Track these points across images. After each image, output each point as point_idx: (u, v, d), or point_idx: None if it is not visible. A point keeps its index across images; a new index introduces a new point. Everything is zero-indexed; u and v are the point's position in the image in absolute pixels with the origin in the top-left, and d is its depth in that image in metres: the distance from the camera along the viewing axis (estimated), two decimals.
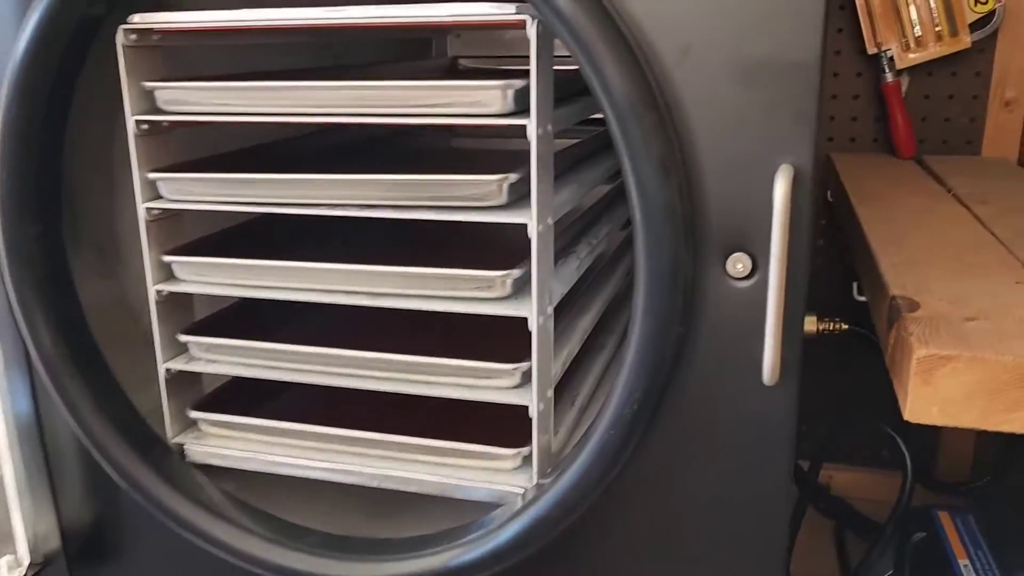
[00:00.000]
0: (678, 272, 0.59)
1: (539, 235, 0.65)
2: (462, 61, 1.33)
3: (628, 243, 1.06)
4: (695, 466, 0.66)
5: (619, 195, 1.00)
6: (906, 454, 1.08)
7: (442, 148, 1.07)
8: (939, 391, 0.56)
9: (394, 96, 0.66)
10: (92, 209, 0.83)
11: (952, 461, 1.39)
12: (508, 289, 0.69)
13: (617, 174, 0.94)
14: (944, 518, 1.13)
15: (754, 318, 0.62)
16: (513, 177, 0.66)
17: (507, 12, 0.61)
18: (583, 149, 0.90)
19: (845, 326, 0.73)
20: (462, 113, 0.65)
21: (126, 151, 0.84)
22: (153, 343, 0.87)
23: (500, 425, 0.80)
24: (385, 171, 0.68)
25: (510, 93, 0.64)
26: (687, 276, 0.60)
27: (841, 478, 1.45)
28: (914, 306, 0.64)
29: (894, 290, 0.71)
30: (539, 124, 0.63)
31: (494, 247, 0.86)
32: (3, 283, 0.76)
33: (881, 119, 1.34)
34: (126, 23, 0.70)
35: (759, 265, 0.61)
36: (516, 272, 0.68)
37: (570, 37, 0.57)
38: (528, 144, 0.63)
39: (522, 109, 0.65)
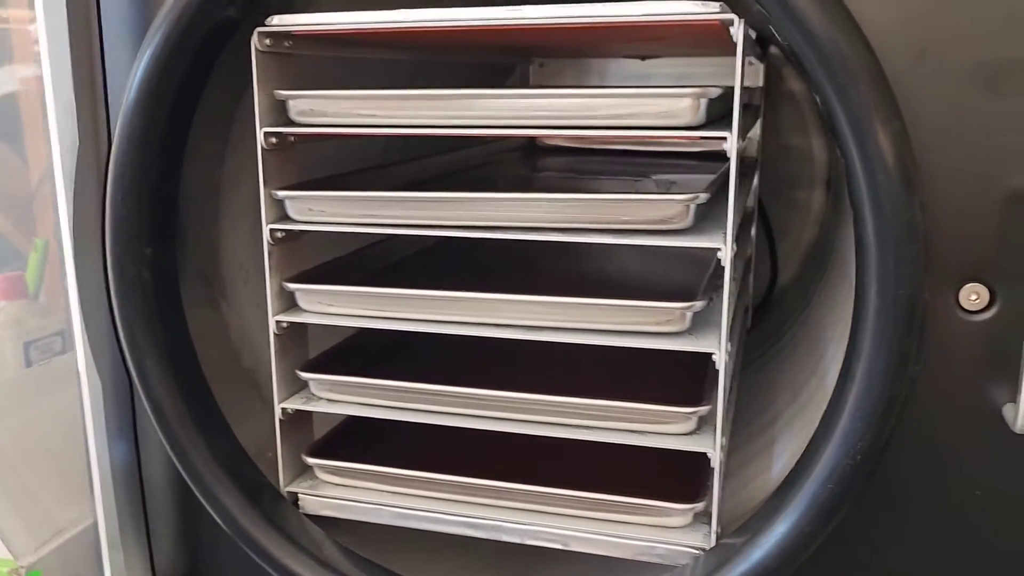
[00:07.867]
0: (918, 301, 0.52)
1: (731, 262, 0.58)
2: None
3: None
4: (916, 521, 0.58)
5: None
6: None
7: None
8: None
9: (571, 107, 0.59)
10: (197, 234, 0.76)
11: None
12: (687, 323, 0.62)
13: None
14: None
15: (988, 357, 0.55)
16: (703, 197, 0.59)
17: (711, 11, 0.55)
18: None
19: None
20: (648, 125, 0.58)
21: (234, 171, 0.77)
22: (251, 381, 0.80)
23: (649, 474, 0.72)
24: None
25: (703, 103, 0.58)
26: (925, 306, 0.53)
27: None
28: None
29: None
30: (740, 136, 0.57)
31: (625, 279, 0.79)
32: (110, 312, 0.69)
33: None
34: (263, 26, 0.63)
35: (998, 297, 0.54)
36: (698, 304, 0.61)
37: (801, 37, 0.50)
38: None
39: (710, 120, 0.59)
